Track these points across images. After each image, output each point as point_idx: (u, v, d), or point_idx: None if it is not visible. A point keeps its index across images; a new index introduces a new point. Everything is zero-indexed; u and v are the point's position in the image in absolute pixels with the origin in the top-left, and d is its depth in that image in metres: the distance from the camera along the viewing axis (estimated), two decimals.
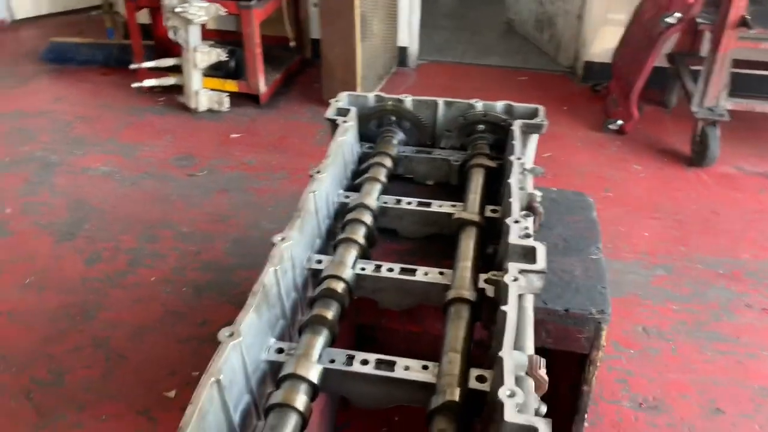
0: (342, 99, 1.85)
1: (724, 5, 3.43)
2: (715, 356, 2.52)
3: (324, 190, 1.52)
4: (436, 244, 1.62)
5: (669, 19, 3.61)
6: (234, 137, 4.05)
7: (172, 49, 4.38)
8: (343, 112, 1.80)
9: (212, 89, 4.30)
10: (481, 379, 1.14)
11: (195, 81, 4.20)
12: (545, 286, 1.50)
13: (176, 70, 4.27)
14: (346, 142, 1.72)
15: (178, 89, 4.32)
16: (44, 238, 3.13)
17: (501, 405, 0.96)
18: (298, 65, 4.89)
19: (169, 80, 4.30)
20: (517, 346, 1.17)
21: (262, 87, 4.33)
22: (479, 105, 1.81)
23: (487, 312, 1.33)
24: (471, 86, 4.71)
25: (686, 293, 2.83)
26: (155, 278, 2.90)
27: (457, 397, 1.07)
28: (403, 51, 4.91)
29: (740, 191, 3.53)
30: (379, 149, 1.78)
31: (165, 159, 3.81)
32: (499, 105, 1.81)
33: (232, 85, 4.35)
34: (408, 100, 1.84)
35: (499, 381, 1.02)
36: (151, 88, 4.40)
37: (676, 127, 4.14)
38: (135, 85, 4.26)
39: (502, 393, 0.97)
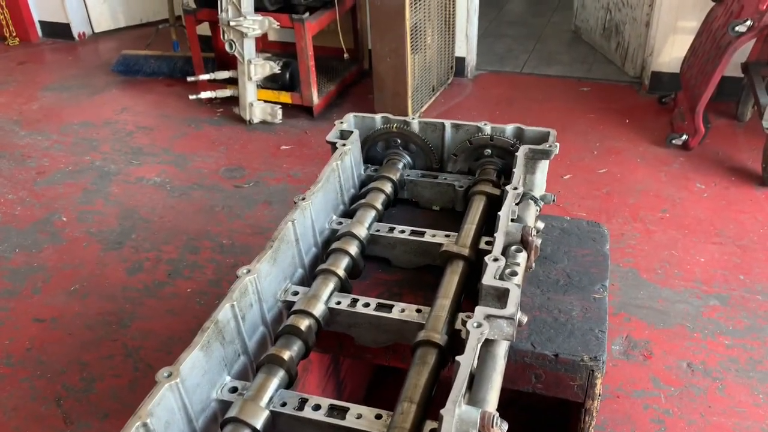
0: (347, 120, 1.81)
1: None
2: (767, 400, 2.30)
3: (308, 218, 1.48)
4: (428, 275, 1.54)
5: (739, 27, 3.35)
6: (284, 149, 4.09)
7: (232, 61, 4.48)
8: (345, 135, 1.75)
9: (266, 101, 4.36)
10: None
11: (249, 93, 4.27)
12: (537, 327, 1.40)
13: (233, 82, 4.35)
14: (344, 166, 1.67)
15: (235, 101, 4.41)
16: (93, 246, 3.25)
17: None
18: (354, 76, 4.89)
19: (226, 92, 4.39)
20: (477, 398, 1.09)
21: (315, 99, 4.35)
22: (487, 128, 1.71)
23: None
24: (528, 97, 4.55)
25: (741, 327, 2.60)
26: (191, 290, 2.95)
27: None
28: (460, 61, 4.81)
29: None
30: (381, 173, 1.72)
31: (215, 170, 3.88)
32: (509, 128, 1.71)
33: (286, 97, 4.39)
34: (414, 123, 1.77)
35: None
36: (210, 100, 4.52)
37: (748, 142, 3.84)
38: (192, 96, 4.38)
39: None
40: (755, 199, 3.39)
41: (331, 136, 1.75)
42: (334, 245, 1.47)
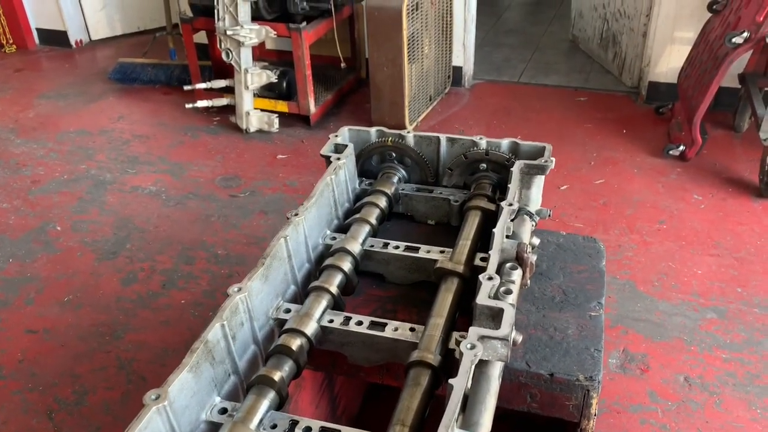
0: (341, 134, 1.79)
1: None
2: (765, 414, 2.29)
3: (301, 234, 1.47)
4: (422, 291, 1.52)
5: (736, 39, 3.35)
6: (281, 158, 4.07)
7: (229, 70, 4.47)
8: (340, 148, 1.74)
9: (263, 110, 4.35)
10: None
11: (246, 102, 4.26)
12: (533, 345, 1.39)
13: (230, 90, 4.34)
14: (339, 180, 1.66)
15: (231, 110, 4.40)
16: (87, 256, 3.23)
17: None
18: (351, 85, 4.88)
19: (222, 101, 4.38)
20: (470, 422, 1.07)
21: (312, 108, 4.34)
22: (483, 142, 1.70)
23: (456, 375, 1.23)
24: (525, 107, 4.54)
25: (738, 341, 2.59)
26: (185, 301, 2.93)
27: None
28: (457, 71, 4.81)
29: None
30: (375, 187, 1.71)
31: (211, 179, 3.87)
32: (504, 143, 1.69)
33: (282, 106, 4.38)
34: (410, 136, 1.75)
35: None
36: (207, 109, 4.50)
37: (745, 153, 3.84)
38: (189, 105, 4.36)
39: None
40: (753, 210, 3.38)
41: (326, 149, 1.73)
42: (327, 261, 1.46)
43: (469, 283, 1.41)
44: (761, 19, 3.27)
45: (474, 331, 1.13)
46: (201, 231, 3.40)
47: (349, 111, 4.64)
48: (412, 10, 3.94)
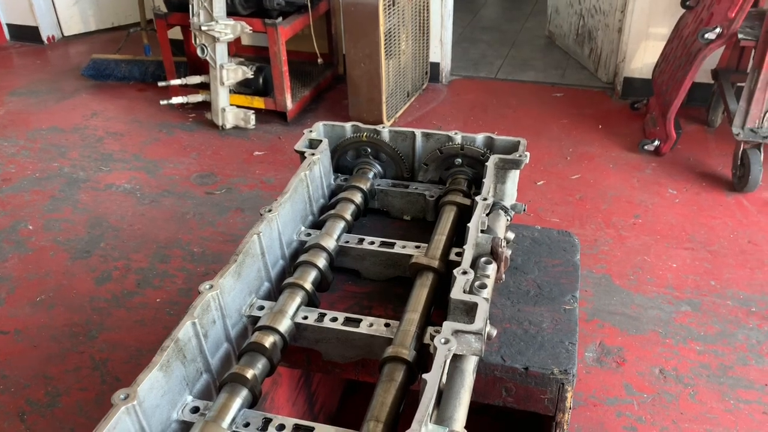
0: (316, 129, 1.78)
1: None
2: (738, 405, 2.32)
3: (275, 230, 1.45)
4: (398, 286, 1.52)
5: (709, 35, 3.38)
6: (257, 155, 4.04)
7: (204, 66, 4.43)
8: (315, 144, 1.72)
9: (239, 106, 4.31)
10: None
11: (222, 98, 4.21)
12: (508, 339, 1.38)
13: (205, 87, 4.30)
14: (313, 175, 1.64)
15: (207, 106, 4.35)
16: (61, 255, 3.18)
17: None
18: (329, 81, 4.86)
19: (198, 97, 4.34)
20: (445, 416, 1.07)
21: (289, 104, 4.31)
22: (458, 137, 1.70)
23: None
24: (502, 103, 4.56)
25: (712, 333, 2.62)
26: (161, 300, 2.90)
27: None
28: (435, 67, 4.81)
29: None
30: (350, 183, 1.70)
31: (187, 176, 3.83)
32: (479, 137, 1.69)
33: (259, 102, 4.34)
34: (384, 132, 1.74)
35: None
36: (182, 105, 4.45)
37: (718, 148, 3.89)
38: (163, 102, 4.31)
39: None
40: (726, 204, 3.42)
41: (300, 145, 1.72)
42: (302, 258, 1.44)
43: (444, 278, 1.41)
44: (733, 15, 3.31)
45: (448, 326, 1.12)
46: (176, 229, 3.36)
47: (326, 107, 4.62)
48: (388, 6, 3.93)
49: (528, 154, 1.63)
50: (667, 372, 2.46)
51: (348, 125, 1.79)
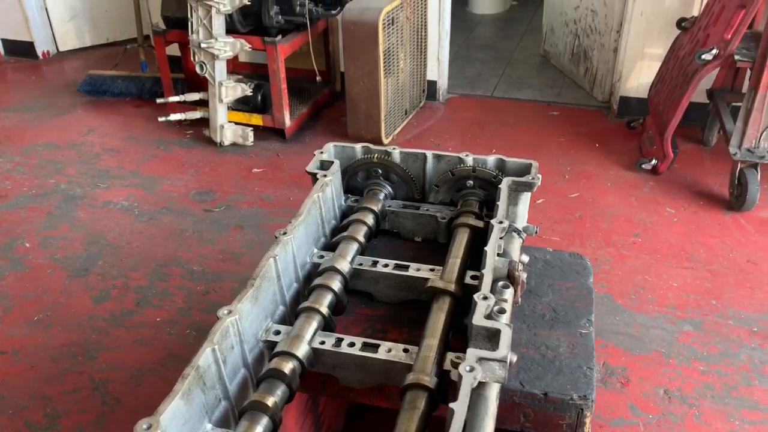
0: (327, 150, 1.77)
1: (764, 41, 3.24)
2: (743, 426, 2.32)
3: (290, 253, 1.44)
4: (412, 310, 1.51)
5: (705, 56, 3.42)
6: (256, 172, 4.03)
7: (202, 82, 4.42)
8: (326, 165, 1.72)
9: (238, 123, 4.30)
10: None
11: (220, 115, 4.21)
12: (525, 364, 1.38)
13: (203, 103, 4.29)
14: (326, 197, 1.64)
15: (205, 123, 4.34)
16: (58, 274, 3.15)
17: None
18: (326, 98, 4.86)
19: (196, 114, 4.33)
20: None
21: (287, 121, 4.31)
22: (469, 159, 1.70)
23: (452, 397, 1.21)
24: (499, 121, 4.58)
25: (715, 353, 2.62)
26: (160, 319, 2.87)
27: None
28: (432, 85, 4.83)
29: None
30: (362, 204, 1.69)
31: (185, 193, 3.81)
32: (491, 160, 1.70)
33: (257, 119, 4.34)
34: (396, 153, 1.74)
35: None
36: (180, 122, 4.44)
37: (714, 167, 3.92)
38: (162, 118, 4.30)
39: None
40: (723, 223, 3.44)
41: (312, 167, 1.71)
42: (317, 281, 1.43)
43: (460, 302, 1.40)
44: (729, 36, 3.35)
45: (472, 353, 1.11)
46: (175, 247, 3.33)
47: (324, 124, 4.62)
48: (388, 25, 3.95)
49: (540, 176, 1.64)
50: (671, 392, 2.46)
51: (358, 146, 1.79)
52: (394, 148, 1.75)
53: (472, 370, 1.08)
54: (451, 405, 1.02)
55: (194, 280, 3.10)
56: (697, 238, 3.32)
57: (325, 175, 1.65)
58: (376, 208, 1.68)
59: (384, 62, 3.97)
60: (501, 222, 1.45)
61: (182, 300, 2.98)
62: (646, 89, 4.26)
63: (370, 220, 1.64)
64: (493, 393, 1.15)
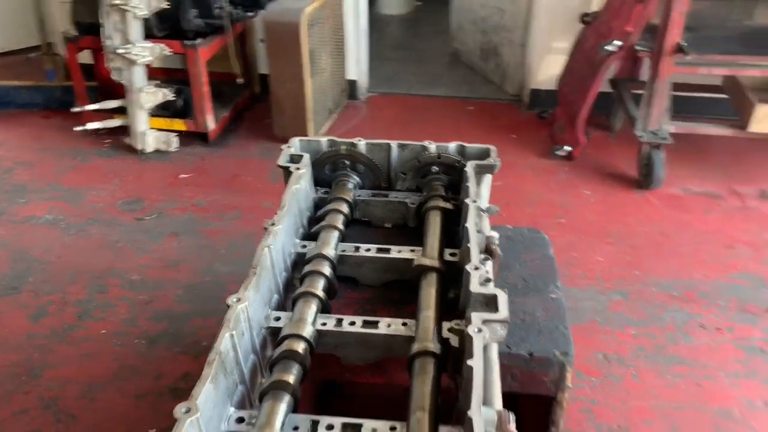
0: (294, 145, 1.82)
1: (661, 33, 3.55)
2: (674, 380, 2.55)
3: (280, 243, 1.48)
4: (396, 290, 1.59)
5: (609, 47, 3.71)
6: (183, 177, 3.97)
7: (117, 89, 4.30)
8: (295, 159, 1.77)
9: (159, 129, 4.21)
10: None
11: (141, 122, 4.11)
12: (509, 330, 1.49)
13: (121, 111, 4.17)
14: (301, 189, 1.69)
15: (124, 131, 4.22)
16: None
17: None
18: (246, 101, 4.84)
19: (114, 122, 4.20)
20: (485, 400, 1.15)
21: (211, 125, 4.26)
22: (432, 147, 1.80)
23: (452, 363, 1.31)
24: (421, 117, 4.74)
25: (643, 317, 2.87)
26: (105, 331, 2.79)
27: None
28: (352, 84, 4.92)
29: (688, 212, 3.62)
30: (335, 195, 1.76)
31: (112, 203, 3.69)
32: (452, 146, 1.81)
33: (179, 125, 4.27)
34: (361, 144, 1.82)
35: None
36: (96, 131, 4.29)
37: (621, 150, 4.24)
38: (78, 128, 4.14)
39: None
40: (635, 201, 3.75)
41: (282, 161, 1.76)
42: (308, 268, 1.49)
43: (444, 277, 1.49)
44: (630, 29, 3.65)
45: (477, 316, 1.21)
46: (110, 258, 3.24)
47: (247, 127, 4.60)
48: (310, 25, 4.00)
49: (499, 159, 1.76)
50: (609, 356, 2.67)
51: (324, 139, 1.85)
52: (359, 140, 1.82)
53: (480, 330, 1.18)
54: (469, 362, 1.11)
55: (135, 289, 3.03)
56: (614, 216, 3.60)
57: (298, 168, 1.70)
58: (349, 197, 1.75)
59: (309, 62, 4.02)
60: (475, 201, 1.56)
61: (125, 310, 2.90)
62: (555, 82, 4.54)
63: (345, 209, 1.71)
64: (495, 353, 1.26)
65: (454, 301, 1.48)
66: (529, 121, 4.72)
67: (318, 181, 1.88)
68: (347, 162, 1.83)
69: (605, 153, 4.24)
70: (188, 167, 4.08)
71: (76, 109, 4.16)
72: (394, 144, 1.82)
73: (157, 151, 4.21)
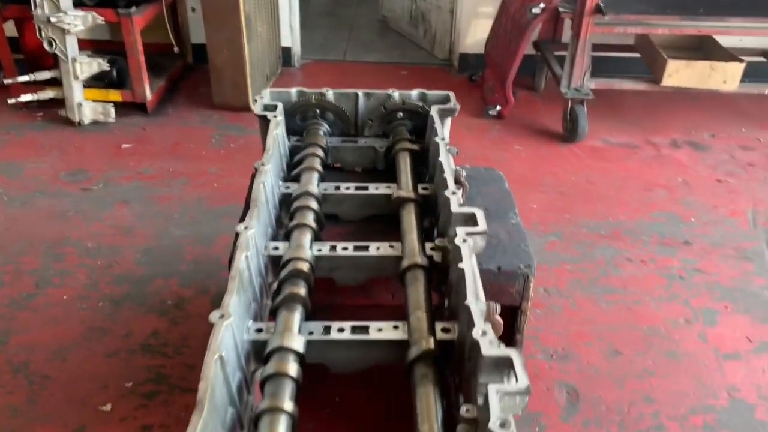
0: (266, 95, 1.94)
1: None
2: (608, 306, 2.85)
3: (269, 181, 1.61)
4: (375, 224, 1.75)
5: (535, 10, 3.95)
6: (126, 147, 3.95)
7: (46, 61, 4.20)
8: (270, 108, 1.89)
9: (95, 100, 4.16)
10: (446, 330, 1.29)
11: (76, 93, 4.04)
12: None
13: (54, 83, 4.09)
14: (280, 135, 1.81)
15: (57, 103, 4.14)
16: None
17: (476, 344, 1.11)
18: (180, 71, 4.82)
19: (48, 94, 4.11)
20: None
21: (149, 95, 4.24)
22: (396, 95, 1.96)
23: (437, 276, 1.49)
24: (356, 83, 4.84)
25: (577, 255, 3.15)
26: (67, 297, 2.81)
27: (432, 346, 1.22)
28: (286, 51, 4.98)
29: (609, 161, 3.95)
30: (309, 141, 1.89)
31: (55, 175, 3.65)
32: (414, 93, 1.97)
33: (115, 95, 4.22)
34: (330, 93, 1.95)
35: (467, 326, 1.18)
36: (26, 104, 4.18)
37: (546, 108, 4.53)
38: (11, 101, 4.03)
39: (476, 333, 1.12)
40: (561, 154, 4.04)
41: (258, 110, 1.87)
42: (297, 203, 1.62)
43: (420, 207, 1.67)
44: None
45: (461, 230, 1.39)
46: (61, 227, 3.23)
47: (184, 96, 4.60)
48: None
49: (458, 104, 1.94)
50: (549, 290, 2.94)
51: (293, 90, 1.98)
52: (327, 90, 1.96)
53: (465, 240, 1.36)
54: (460, 265, 1.29)
55: (92, 256, 3.06)
56: (544, 168, 3.88)
57: (275, 116, 1.82)
58: (323, 143, 1.89)
59: (246, 29, 4.06)
60: (443, 139, 1.74)
61: (85, 276, 2.93)
62: (482, 45, 4.77)
63: (320, 153, 1.85)
64: (475, 263, 1.44)
65: (430, 230, 1.66)
66: (461, 84, 4.94)
67: (289, 131, 2.00)
68: (317, 111, 1.96)
69: (532, 111, 4.52)
70: (130, 137, 4.07)
71: (8, 81, 4.04)
72: (360, 93, 1.96)
73: (96, 123, 4.16)
